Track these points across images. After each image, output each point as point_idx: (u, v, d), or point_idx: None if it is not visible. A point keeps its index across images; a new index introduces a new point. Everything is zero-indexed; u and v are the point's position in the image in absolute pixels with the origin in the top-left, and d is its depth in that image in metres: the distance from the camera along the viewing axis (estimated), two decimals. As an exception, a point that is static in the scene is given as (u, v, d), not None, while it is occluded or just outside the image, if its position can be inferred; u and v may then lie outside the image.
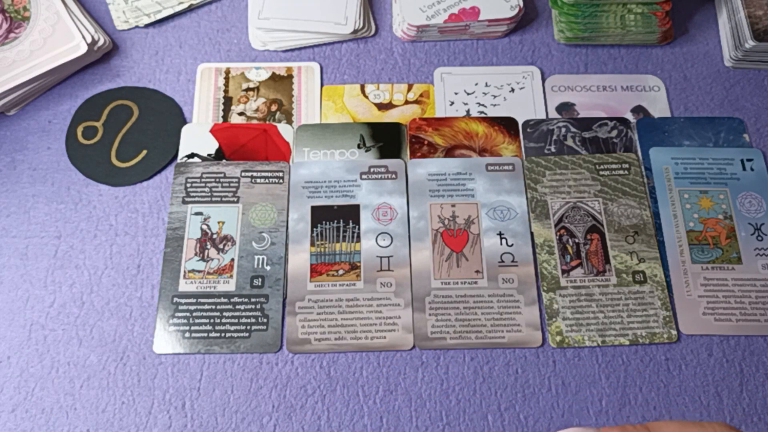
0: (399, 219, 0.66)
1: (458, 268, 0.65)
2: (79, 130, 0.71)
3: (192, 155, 0.70)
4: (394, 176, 0.68)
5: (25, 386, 0.61)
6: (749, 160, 0.70)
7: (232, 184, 0.68)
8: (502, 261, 0.65)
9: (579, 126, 0.71)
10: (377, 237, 0.66)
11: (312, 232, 0.66)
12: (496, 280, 0.64)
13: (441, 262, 0.65)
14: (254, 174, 0.68)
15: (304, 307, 0.63)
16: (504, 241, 0.66)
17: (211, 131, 0.71)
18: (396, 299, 0.63)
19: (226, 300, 0.64)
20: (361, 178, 0.68)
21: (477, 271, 0.65)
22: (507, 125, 0.71)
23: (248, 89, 0.73)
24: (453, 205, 0.67)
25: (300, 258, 0.65)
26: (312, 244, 0.65)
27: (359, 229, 0.66)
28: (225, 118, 0.72)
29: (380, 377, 0.62)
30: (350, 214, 0.67)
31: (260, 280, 0.64)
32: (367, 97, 0.73)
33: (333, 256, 0.65)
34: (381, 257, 0.65)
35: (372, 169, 0.68)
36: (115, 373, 0.61)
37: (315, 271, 0.64)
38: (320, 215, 0.67)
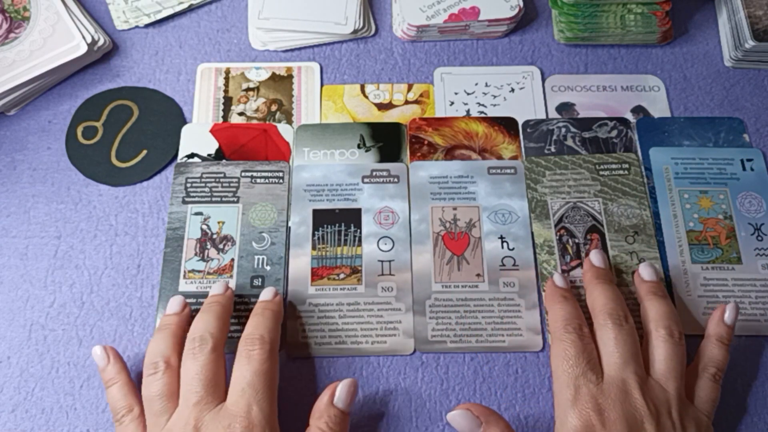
0: (400, 223, 0.66)
1: (459, 272, 0.65)
2: (79, 130, 0.71)
3: (192, 155, 0.70)
4: (396, 180, 0.68)
5: (25, 386, 0.61)
6: (749, 160, 0.70)
7: (232, 184, 0.68)
8: (503, 264, 0.65)
9: (579, 126, 0.71)
10: (378, 241, 0.66)
11: (313, 235, 0.66)
12: (497, 284, 0.64)
13: (442, 265, 0.65)
14: (254, 174, 0.68)
15: (304, 311, 0.63)
16: (505, 244, 0.66)
17: (211, 131, 0.71)
18: (397, 304, 0.63)
19: (226, 300, 0.64)
20: (363, 182, 0.68)
21: (478, 275, 0.65)
22: (507, 125, 0.71)
23: (248, 89, 0.73)
24: (454, 208, 0.67)
25: (301, 261, 0.65)
26: (313, 248, 0.65)
27: (360, 232, 0.66)
28: (225, 118, 0.72)
29: (380, 377, 0.62)
30: (352, 217, 0.67)
31: (260, 280, 0.64)
32: (367, 97, 0.73)
33: (334, 259, 0.65)
34: (382, 261, 0.65)
35: (374, 173, 0.68)
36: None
37: (316, 274, 0.64)
38: (322, 219, 0.66)
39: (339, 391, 0.55)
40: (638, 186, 0.68)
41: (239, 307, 0.63)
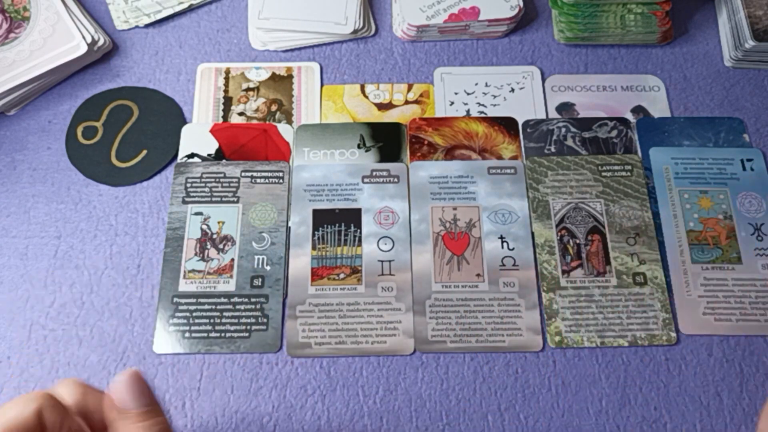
0: (400, 223, 0.66)
1: (459, 272, 0.65)
2: (79, 130, 0.71)
3: (192, 155, 0.70)
4: (396, 180, 0.68)
5: (25, 386, 0.61)
6: (749, 160, 0.70)
7: (232, 184, 0.68)
8: (503, 264, 0.65)
9: (579, 126, 0.71)
10: (378, 241, 0.66)
11: (313, 235, 0.66)
12: (497, 284, 0.64)
13: (442, 265, 0.65)
14: (254, 174, 0.68)
15: (304, 311, 0.63)
16: (505, 244, 0.66)
17: (211, 131, 0.71)
18: (397, 304, 0.63)
19: (226, 300, 0.64)
20: (363, 182, 0.68)
21: (478, 275, 0.65)
22: (507, 125, 0.71)
23: (248, 89, 0.73)
24: (454, 208, 0.67)
25: (301, 261, 0.65)
26: (313, 248, 0.65)
27: (360, 232, 0.66)
28: (225, 118, 0.72)
29: (380, 377, 0.62)
30: (352, 217, 0.67)
31: (260, 280, 0.64)
32: (367, 97, 0.73)
33: (334, 259, 0.65)
34: (382, 261, 0.65)
35: (374, 173, 0.68)
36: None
37: (316, 274, 0.64)
38: (322, 219, 0.67)
39: (118, 394, 0.40)
40: (640, 188, 0.68)
41: (239, 306, 0.63)
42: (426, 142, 0.70)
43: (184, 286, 0.64)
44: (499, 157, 0.70)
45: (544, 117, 0.72)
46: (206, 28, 0.77)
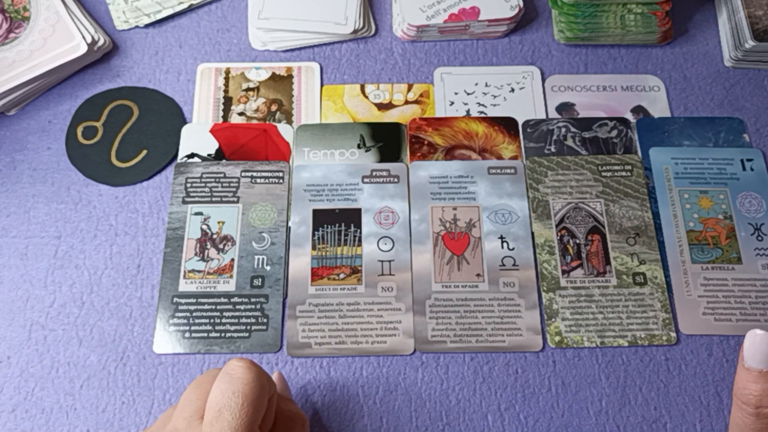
0: (401, 223, 0.66)
1: (459, 272, 0.65)
2: (79, 130, 0.71)
3: (192, 155, 0.69)
4: (396, 180, 0.68)
5: (25, 386, 0.61)
6: (749, 160, 0.70)
7: (232, 184, 0.68)
8: (503, 264, 0.65)
9: (579, 126, 0.71)
10: (378, 241, 0.66)
11: (313, 235, 0.66)
12: (497, 284, 0.64)
13: (442, 265, 0.65)
14: (254, 174, 0.68)
15: (304, 311, 0.63)
16: (505, 244, 0.66)
17: (211, 131, 0.70)
18: (397, 304, 0.63)
19: (226, 300, 0.64)
20: (363, 182, 0.68)
21: (478, 275, 0.65)
22: (507, 125, 0.71)
23: (248, 89, 0.73)
24: (454, 208, 0.67)
25: (301, 261, 0.65)
26: (313, 248, 0.65)
27: (360, 232, 0.66)
28: (225, 118, 0.72)
29: (380, 377, 0.62)
30: (352, 217, 0.67)
31: (260, 280, 0.64)
32: (367, 97, 0.73)
33: (334, 259, 0.65)
34: (382, 261, 0.65)
35: (374, 173, 0.68)
36: (115, 373, 0.61)
37: (316, 274, 0.64)
38: (322, 219, 0.66)
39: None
40: (640, 188, 0.68)
41: (239, 306, 0.63)
42: (426, 142, 0.70)
43: (184, 286, 0.64)
44: (499, 157, 0.70)
45: (544, 117, 0.72)
46: (206, 28, 0.77)
